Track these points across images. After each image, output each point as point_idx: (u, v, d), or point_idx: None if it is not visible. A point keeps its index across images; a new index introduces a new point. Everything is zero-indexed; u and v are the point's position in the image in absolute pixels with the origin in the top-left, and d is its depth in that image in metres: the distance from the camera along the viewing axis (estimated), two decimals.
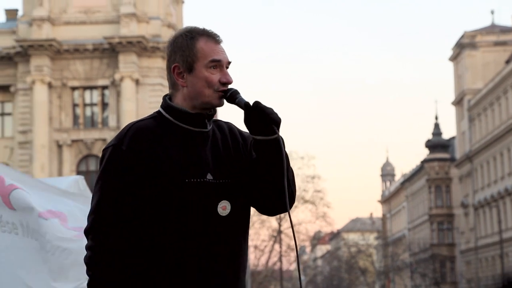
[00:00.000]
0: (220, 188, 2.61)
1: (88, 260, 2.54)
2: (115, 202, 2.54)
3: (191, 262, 2.53)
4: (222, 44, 2.68)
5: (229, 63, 2.67)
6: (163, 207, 2.54)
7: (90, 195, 6.40)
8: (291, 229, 39.66)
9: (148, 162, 2.54)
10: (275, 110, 2.60)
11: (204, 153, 2.63)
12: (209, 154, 2.64)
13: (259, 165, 2.64)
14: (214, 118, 2.73)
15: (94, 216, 2.56)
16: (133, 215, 2.54)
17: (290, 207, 2.68)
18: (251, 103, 2.60)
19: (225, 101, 2.66)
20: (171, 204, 2.54)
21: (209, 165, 2.61)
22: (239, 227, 2.66)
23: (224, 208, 2.60)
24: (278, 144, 2.59)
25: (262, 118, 2.56)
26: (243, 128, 2.74)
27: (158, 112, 2.68)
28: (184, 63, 2.62)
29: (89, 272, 2.54)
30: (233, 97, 2.62)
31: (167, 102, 2.67)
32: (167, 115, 2.64)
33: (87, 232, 2.58)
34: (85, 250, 2.57)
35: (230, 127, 2.77)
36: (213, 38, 2.65)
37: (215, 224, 2.58)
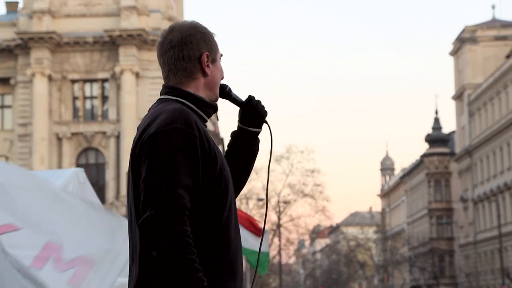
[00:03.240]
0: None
1: (155, 241, 2.39)
2: (185, 188, 2.45)
3: (236, 248, 2.61)
4: None
5: None
6: (218, 196, 2.57)
7: (89, 189, 6.41)
8: (290, 223, 39.40)
9: (206, 148, 2.55)
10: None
11: None
12: None
13: (235, 152, 2.83)
14: None
15: (165, 200, 2.41)
16: (195, 201, 2.49)
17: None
18: (245, 99, 2.82)
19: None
20: (224, 193, 2.60)
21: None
22: None
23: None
24: (257, 137, 2.85)
25: (260, 113, 2.81)
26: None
27: (177, 100, 2.63)
28: (211, 53, 2.70)
29: (157, 254, 2.40)
30: (230, 92, 2.81)
31: (185, 91, 2.65)
32: (191, 104, 2.63)
33: (151, 219, 2.40)
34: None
35: None
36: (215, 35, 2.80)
37: (235, 213, 2.69)
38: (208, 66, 2.68)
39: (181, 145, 2.48)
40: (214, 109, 2.73)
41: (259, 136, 2.86)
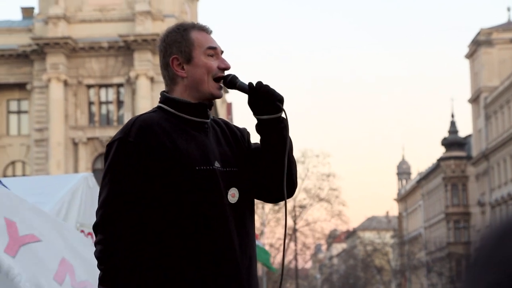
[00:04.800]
0: (228, 175, 2.64)
1: (99, 254, 2.52)
2: (125, 195, 2.53)
3: (205, 250, 2.53)
4: (212, 35, 2.73)
5: (222, 52, 2.72)
6: (175, 196, 2.54)
7: (97, 193, 6.39)
8: (306, 228, 39.44)
9: (156, 153, 2.55)
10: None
11: (209, 142, 2.66)
12: (213, 143, 2.67)
13: (264, 147, 2.68)
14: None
15: (104, 209, 2.55)
16: (143, 206, 2.53)
17: (292, 195, 2.74)
18: (251, 84, 2.65)
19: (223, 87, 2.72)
20: (182, 193, 2.54)
21: (215, 154, 2.64)
22: (247, 215, 2.69)
23: (233, 195, 2.63)
24: (283, 121, 2.65)
25: (268, 97, 2.61)
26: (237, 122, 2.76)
27: (158, 107, 2.70)
28: (182, 54, 2.66)
29: (100, 266, 2.52)
30: (234, 82, 2.68)
31: (166, 96, 2.70)
32: (168, 108, 2.66)
33: (96, 226, 2.56)
34: None
35: (225, 122, 2.82)
36: (204, 29, 2.72)
37: (226, 211, 2.59)
38: (182, 68, 2.66)
39: (117, 154, 2.58)
40: (201, 107, 2.67)
41: (282, 122, 2.64)
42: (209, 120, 2.71)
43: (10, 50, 40.45)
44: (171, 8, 40.68)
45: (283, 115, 2.65)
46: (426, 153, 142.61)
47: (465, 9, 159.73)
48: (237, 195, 2.64)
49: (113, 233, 2.50)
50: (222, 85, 2.71)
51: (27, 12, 44.10)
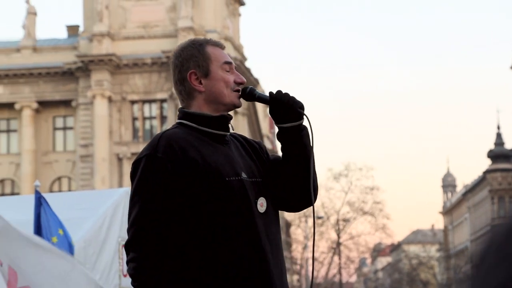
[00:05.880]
0: (254, 186, 2.66)
1: (132, 271, 2.53)
2: (156, 212, 2.53)
3: (240, 261, 2.54)
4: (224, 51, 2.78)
5: (235, 67, 2.78)
6: (207, 209, 2.55)
7: None
8: (350, 241, 38.99)
9: (186, 167, 2.55)
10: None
11: (233, 154, 2.68)
12: (237, 155, 2.70)
13: (286, 155, 2.71)
14: None
15: (136, 227, 2.55)
16: (174, 222, 2.54)
17: (312, 202, 2.75)
18: (271, 93, 2.70)
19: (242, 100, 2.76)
20: (214, 204, 2.55)
21: (240, 165, 2.67)
22: (275, 224, 2.71)
23: (261, 204, 2.66)
24: (305, 128, 2.70)
25: (289, 105, 2.65)
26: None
27: (179, 123, 2.71)
28: (200, 68, 2.69)
29: (134, 283, 2.54)
30: (253, 93, 2.72)
31: (185, 112, 2.71)
32: (189, 123, 2.68)
33: (128, 244, 2.56)
34: None
35: (242, 136, 2.86)
36: (218, 45, 2.76)
37: (256, 220, 2.61)
38: (199, 82, 2.69)
39: (146, 171, 2.57)
40: (223, 119, 2.70)
41: (304, 131, 2.70)
42: (229, 133, 2.74)
43: (56, 68, 41.15)
44: (213, 24, 40.98)
45: (305, 121, 2.69)
46: (472, 166, 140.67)
47: (508, 20, 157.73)
48: (265, 204, 2.67)
49: (146, 251, 2.51)
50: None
51: (72, 30, 44.82)
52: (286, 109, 2.66)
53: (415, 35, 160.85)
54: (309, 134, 2.71)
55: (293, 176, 2.71)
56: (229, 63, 2.72)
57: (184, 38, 39.83)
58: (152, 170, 2.55)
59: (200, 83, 2.69)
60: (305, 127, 2.71)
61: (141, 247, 2.52)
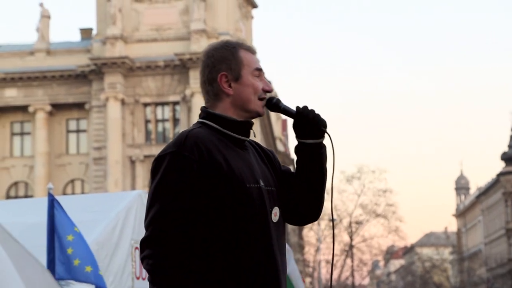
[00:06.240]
0: (270, 194, 2.66)
1: (150, 267, 2.51)
2: (177, 211, 2.51)
3: (251, 269, 2.54)
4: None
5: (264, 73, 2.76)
6: (224, 212, 2.53)
7: None
8: (363, 244, 38.81)
9: (210, 169, 2.53)
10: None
11: (252, 160, 2.68)
12: (254, 161, 2.69)
13: (302, 169, 2.71)
14: None
15: (155, 225, 2.51)
16: (192, 222, 2.52)
17: (318, 217, 2.77)
18: (298, 108, 2.70)
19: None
20: (237, 209, 2.54)
21: (258, 172, 2.66)
22: (283, 235, 2.71)
23: (275, 214, 2.65)
24: (324, 146, 2.71)
25: (314, 122, 2.66)
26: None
27: (201, 122, 2.69)
28: (231, 71, 2.66)
29: (153, 279, 2.52)
30: (278, 105, 2.71)
31: (210, 112, 2.69)
32: (213, 124, 2.66)
33: (146, 240, 2.53)
34: None
35: (256, 143, 2.84)
36: (250, 49, 2.74)
37: (270, 230, 2.61)
38: (229, 85, 2.67)
39: (170, 168, 2.54)
40: (247, 125, 2.70)
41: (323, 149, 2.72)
42: (249, 139, 2.73)
43: (69, 71, 41.34)
44: (225, 26, 41.02)
45: (326, 140, 2.70)
46: (485, 168, 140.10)
47: None
48: (278, 214, 2.66)
49: (164, 247, 2.49)
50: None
51: (86, 33, 45.00)
52: (310, 125, 2.67)
53: (421, 36, 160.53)
54: (326, 153, 2.73)
55: (305, 192, 2.72)
56: (259, 69, 2.70)
57: (197, 40, 39.94)
58: (177, 168, 2.52)
59: (230, 86, 2.67)
60: (325, 146, 2.72)
61: (162, 245, 2.49)
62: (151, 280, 2.53)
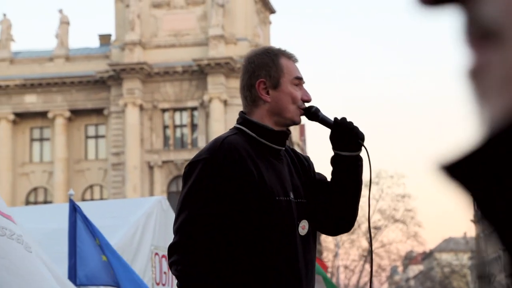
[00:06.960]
0: (299, 207, 2.63)
1: (178, 273, 2.51)
2: (207, 218, 2.50)
3: (278, 278, 2.53)
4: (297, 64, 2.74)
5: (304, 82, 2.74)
6: (252, 224, 2.53)
7: (172, 217, 6.50)
8: (381, 249, 38.85)
9: (242, 178, 2.52)
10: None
11: (284, 172, 2.66)
12: (287, 173, 2.67)
13: (337, 181, 2.70)
14: None
15: (185, 231, 2.51)
16: (221, 229, 2.51)
17: (350, 228, 2.76)
18: (336, 119, 2.68)
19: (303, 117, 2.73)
20: (260, 222, 2.53)
21: (289, 184, 2.64)
22: (313, 247, 2.69)
23: (303, 227, 2.63)
24: (361, 159, 2.70)
25: (351, 134, 2.64)
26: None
27: (238, 128, 2.67)
28: (270, 78, 2.65)
29: (180, 284, 2.52)
30: (317, 114, 2.69)
31: (247, 118, 2.67)
32: (249, 131, 2.64)
33: (174, 246, 2.53)
34: None
35: (292, 150, 2.82)
36: (291, 57, 2.72)
37: (297, 243, 2.59)
38: (267, 92, 2.65)
39: (202, 175, 2.53)
40: (283, 134, 2.68)
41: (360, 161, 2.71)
42: (284, 148, 2.71)
43: (88, 77, 41.53)
44: (243, 32, 41.07)
45: (363, 153, 2.68)
46: None
47: None
48: (306, 227, 2.64)
49: (192, 254, 2.49)
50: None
51: (104, 39, 45.21)
52: (348, 137, 2.65)
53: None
54: (363, 165, 2.72)
55: (340, 203, 2.70)
56: (300, 78, 2.69)
57: (215, 46, 40.02)
58: (210, 174, 2.51)
59: (267, 93, 2.65)
60: (361, 158, 2.71)
61: (190, 252, 2.49)
62: (180, 286, 2.53)
